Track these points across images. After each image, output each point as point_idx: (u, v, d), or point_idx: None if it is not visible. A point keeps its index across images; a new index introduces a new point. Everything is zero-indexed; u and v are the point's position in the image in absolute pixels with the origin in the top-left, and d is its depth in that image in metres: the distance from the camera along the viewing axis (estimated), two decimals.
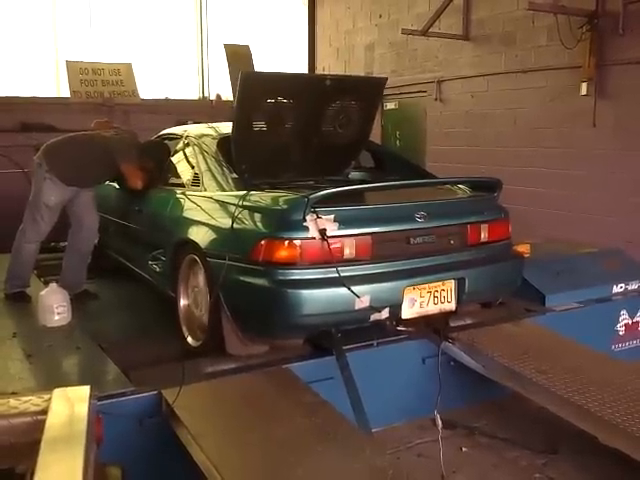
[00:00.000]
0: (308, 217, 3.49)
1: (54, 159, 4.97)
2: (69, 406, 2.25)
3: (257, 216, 3.69)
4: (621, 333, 4.97)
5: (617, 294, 5.15)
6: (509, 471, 3.62)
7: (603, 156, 7.29)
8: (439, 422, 3.66)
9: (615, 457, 3.23)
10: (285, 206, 3.65)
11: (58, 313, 4.37)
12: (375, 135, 7.13)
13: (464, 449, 3.84)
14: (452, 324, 4.24)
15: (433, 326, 4.11)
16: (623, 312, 4.98)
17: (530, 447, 3.82)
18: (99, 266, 5.93)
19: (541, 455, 3.75)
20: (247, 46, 10.29)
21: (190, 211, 4.28)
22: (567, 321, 4.63)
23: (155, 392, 3.31)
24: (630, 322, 5.00)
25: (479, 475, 3.59)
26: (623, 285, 5.18)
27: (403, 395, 4.01)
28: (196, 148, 4.61)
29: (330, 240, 3.51)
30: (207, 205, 4.12)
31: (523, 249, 4.87)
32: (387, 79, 4.86)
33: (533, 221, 7.39)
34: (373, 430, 3.40)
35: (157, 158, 5.14)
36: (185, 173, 4.71)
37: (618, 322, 4.95)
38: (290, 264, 3.51)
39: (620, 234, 6.84)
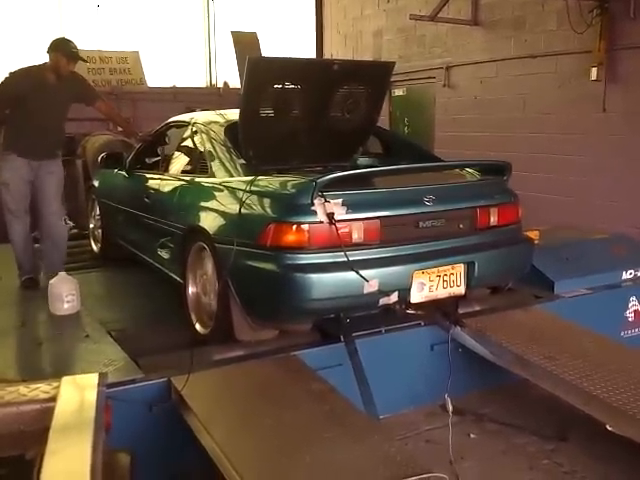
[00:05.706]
0: (316, 201, 3.46)
1: None
2: (78, 393, 2.27)
3: (265, 201, 3.67)
4: (630, 319, 4.94)
5: (626, 280, 5.12)
6: (517, 457, 3.62)
7: (614, 141, 7.24)
8: (450, 406, 3.66)
9: (624, 443, 3.21)
10: (293, 190, 3.63)
11: (67, 301, 4.39)
12: (383, 122, 7.12)
13: (472, 435, 3.83)
14: (461, 311, 4.23)
15: (442, 310, 4.10)
16: (632, 298, 4.95)
17: (539, 433, 3.81)
18: (108, 254, 5.97)
19: (550, 441, 3.74)
20: (254, 33, 10.26)
21: (198, 198, 4.27)
22: (576, 308, 4.61)
23: (164, 379, 3.32)
24: (639, 308, 4.98)
25: (487, 461, 3.58)
26: (632, 271, 5.15)
27: (411, 382, 4.01)
28: (204, 135, 4.59)
29: (338, 224, 3.48)
30: (215, 191, 4.10)
31: (532, 236, 4.85)
32: (395, 63, 4.80)
33: (541, 207, 7.35)
34: (381, 417, 3.40)
35: None
36: (193, 160, 4.70)
37: (627, 308, 4.93)
38: (298, 248, 3.48)
39: (630, 220, 6.80)
